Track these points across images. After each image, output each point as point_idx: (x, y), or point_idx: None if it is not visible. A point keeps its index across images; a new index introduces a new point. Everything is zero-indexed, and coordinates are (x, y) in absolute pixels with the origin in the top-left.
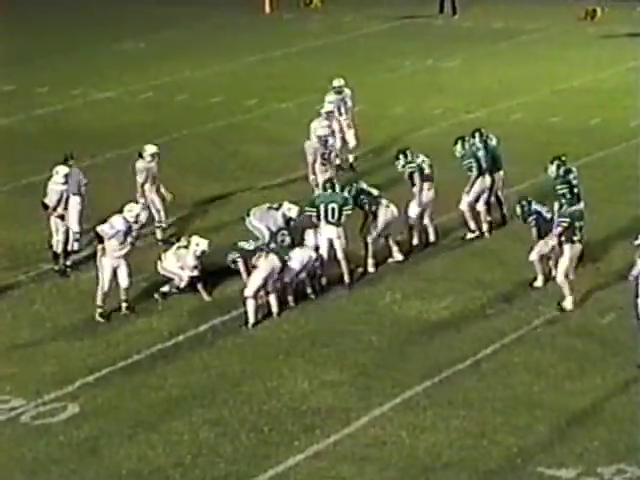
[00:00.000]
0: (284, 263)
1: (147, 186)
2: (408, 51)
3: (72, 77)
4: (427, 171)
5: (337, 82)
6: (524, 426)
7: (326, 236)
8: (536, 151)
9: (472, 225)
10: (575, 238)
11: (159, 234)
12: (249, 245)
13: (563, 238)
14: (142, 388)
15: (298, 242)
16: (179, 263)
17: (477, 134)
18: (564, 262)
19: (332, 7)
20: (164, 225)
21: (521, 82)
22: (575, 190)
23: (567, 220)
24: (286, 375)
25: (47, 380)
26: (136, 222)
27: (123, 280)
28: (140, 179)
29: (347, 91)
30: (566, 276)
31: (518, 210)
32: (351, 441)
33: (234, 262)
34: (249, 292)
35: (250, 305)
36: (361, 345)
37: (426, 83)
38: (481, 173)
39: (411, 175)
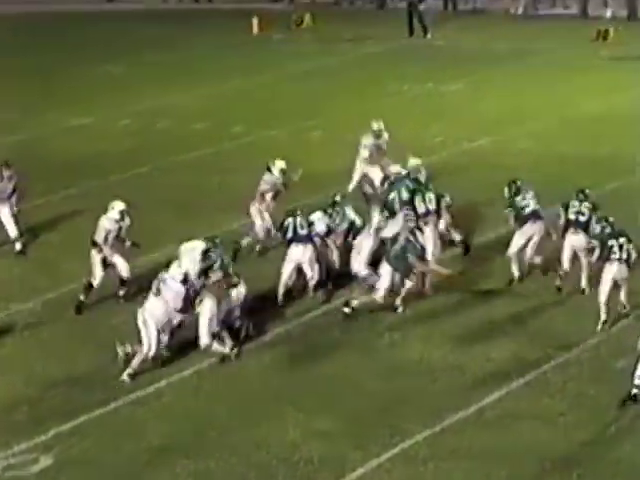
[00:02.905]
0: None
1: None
2: (407, 74)
3: (46, 102)
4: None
5: (376, 125)
6: (532, 479)
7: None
8: (544, 183)
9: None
10: (613, 257)
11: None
12: None
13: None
14: (121, 437)
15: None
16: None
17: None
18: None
19: (324, 27)
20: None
21: (528, 108)
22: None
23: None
24: (276, 423)
25: (18, 429)
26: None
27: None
28: (264, 192)
29: (385, 136)
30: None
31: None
32: None
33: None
34: (205, 341)
35: (215, 345)
36: (356, 391)
37: (426, 109)
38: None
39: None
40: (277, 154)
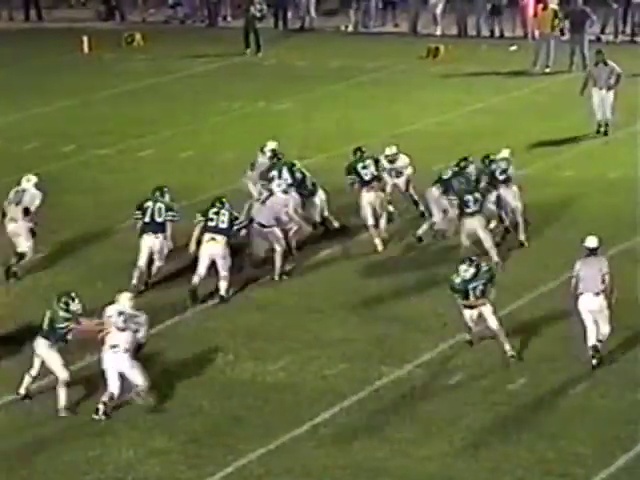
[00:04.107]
0: None
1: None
2: (238, 92)
3: None
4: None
5: (389, 150)
6: None
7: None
8: None
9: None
10: (468, 210)
11: None
12: None
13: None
14: None
15: None
16: None
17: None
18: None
19: (155, 45)
20: None
21: (360, 125)
22: None
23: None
24: (109, 443)
25: None
26: None
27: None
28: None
29: (403, 158)
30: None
31: None
32: None
33: None
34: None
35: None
36: (190, 410)
37: (258, 127)
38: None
39: None
40: (108, 173)
